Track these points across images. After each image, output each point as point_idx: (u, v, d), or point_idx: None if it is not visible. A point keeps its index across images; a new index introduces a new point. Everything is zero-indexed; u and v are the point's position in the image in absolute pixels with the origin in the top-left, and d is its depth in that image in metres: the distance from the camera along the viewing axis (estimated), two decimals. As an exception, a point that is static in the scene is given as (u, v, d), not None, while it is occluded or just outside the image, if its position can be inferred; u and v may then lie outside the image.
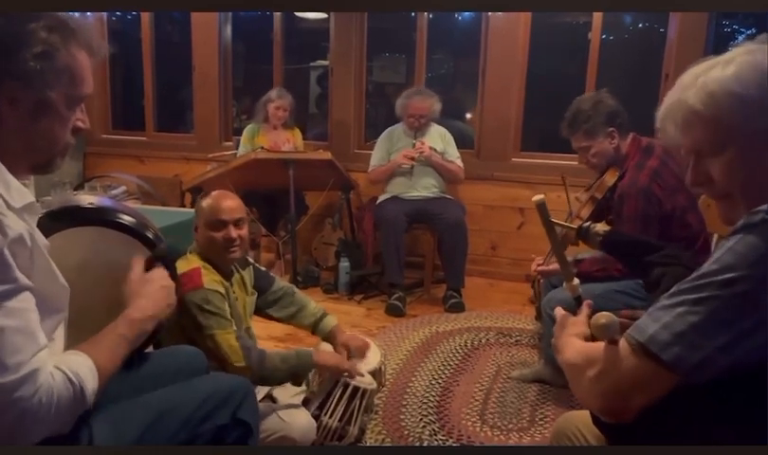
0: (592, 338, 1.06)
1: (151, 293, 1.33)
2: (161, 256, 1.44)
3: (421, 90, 4.15)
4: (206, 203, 1.99)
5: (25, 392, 0.97)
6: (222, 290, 1.93)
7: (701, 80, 0.97)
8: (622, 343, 0.93)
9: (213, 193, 2.04)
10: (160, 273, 1.39)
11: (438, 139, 4.06)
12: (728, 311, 0.83)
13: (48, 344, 1.06)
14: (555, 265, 2.65)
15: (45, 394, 1.00)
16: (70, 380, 1.05)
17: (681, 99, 1.00)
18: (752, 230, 0.84)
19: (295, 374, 1.98)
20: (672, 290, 0.90)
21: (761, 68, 0.93)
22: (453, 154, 4.08)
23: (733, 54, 0.97)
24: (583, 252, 2.59)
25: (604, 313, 0.98)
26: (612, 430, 1.00)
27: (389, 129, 4.21)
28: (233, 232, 1.95)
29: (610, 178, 2.59)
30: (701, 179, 1.02)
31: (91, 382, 1.08)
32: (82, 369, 1.08)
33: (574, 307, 1.18)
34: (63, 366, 1.05)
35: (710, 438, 0.89)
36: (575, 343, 1.06)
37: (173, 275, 1.47)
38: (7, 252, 0.96)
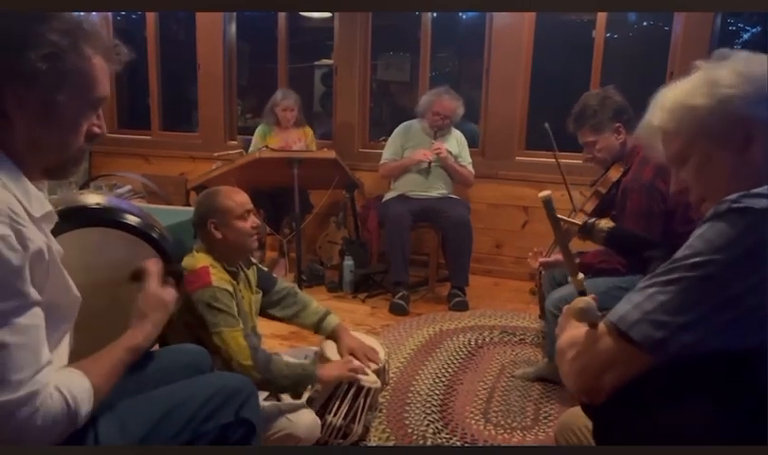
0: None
1: (159, 321, 1.35)
2: (177, 273, 1.45)
3: (450, 90, 4.07)
4: (226, 201, 2.01)
5: (23, 414, 0.98)
6: (230, 288, 1.94)
7: (660, 100, 1.10)
8: (600, 326, 0.98)
9: (224, 190, 2.06)
10: (172, 295, 1.40)
11: (454, 143, 4.06)
12: (694, 291, 0.87)
13: (52, 357, 1.06)
14: (556, 257, 2.67)
15: (41, 417, 1.00)
16: (68, 403, 1.05)
17: (648, 120, 1.12)
18: (720, 218, 0.89)
19: (297, 383, 1.98)
20: (648, 275, 0.95)
21: (711, 79, 1.02)
22: (466, 159, 4.09)
23: (692, 74, 1.07)
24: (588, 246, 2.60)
25: (582, 298, 1.03)
26: (595, 412, 1.03)
27: (404, 124, 4.17)
28: (254, 220, 2.05)
29: (614, 173, 2.60)
30: (680, 187, 1.12)
31: (86, 406, 1.09)
32: (81, 392, 1.09)
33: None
34: (62, 387, 1.05)
35: (687, 417, 0.91)
36: (568, 330, 1.09)
37: (180, 285, 1.49)
38: (26, 267, 0.96)
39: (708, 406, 0.90)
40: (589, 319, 0.99)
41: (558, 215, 1.25)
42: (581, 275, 1.20)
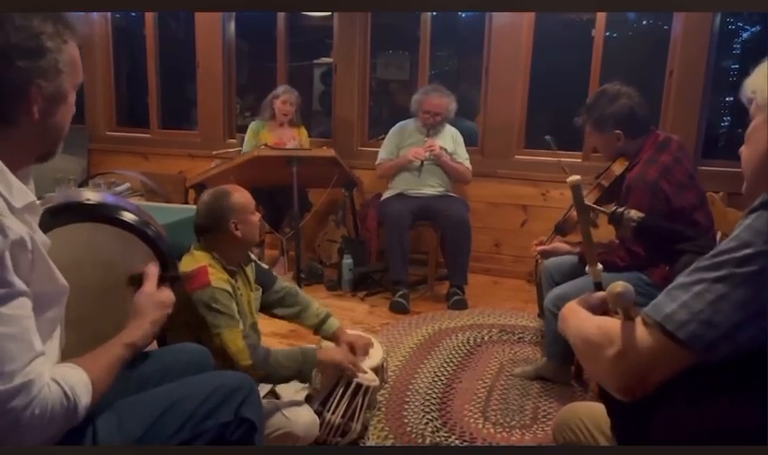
0: (605, 313, 1.06)
1: (158, 319, 1.36)
2: (173, 277, 1.47)
3: (439, 87, 4.08)
4: (241, 198, 2.04)
5: (18, 403, 0.97)
6: (229, 288, 1.94)
7: None
8: (639, 322, 0.93)
9: (231, 188, 2.07)
10: (169, 297, 1.42)
11: (449, 140, 4.06)
12: (745, 289, 0.84)
13: (45, 350, 1.05)
14: (554, 245, 2.69)
15: (38, 406, 1.00)
16: (66, 394, 1.05)
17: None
18: None
19: (300, 372, 1.99)
20: (691, 268, 0.90)
21: None
22: (462, 156, 4.09)
23: None
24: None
25: (620, 282, 0.98)
26: (618, 406, 1.00)
27: (400, 123, 4.19)
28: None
29: (618, 167, 2.58)
30: None
31: (85, 398, 1.09)
32: (79, 384, 1.09)
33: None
34: (60, 379, 1.05)
35: (719, 417, 0.89)
36: (581, 315, 1.06)
37: (178, 286, 1.51)
38: (7, 255, 0.96)
39: (749, 404, 0.87)
40: (624, 305, 0.95)
41: (587, 202, 1.23)
42: (600, 266, 1.19)
